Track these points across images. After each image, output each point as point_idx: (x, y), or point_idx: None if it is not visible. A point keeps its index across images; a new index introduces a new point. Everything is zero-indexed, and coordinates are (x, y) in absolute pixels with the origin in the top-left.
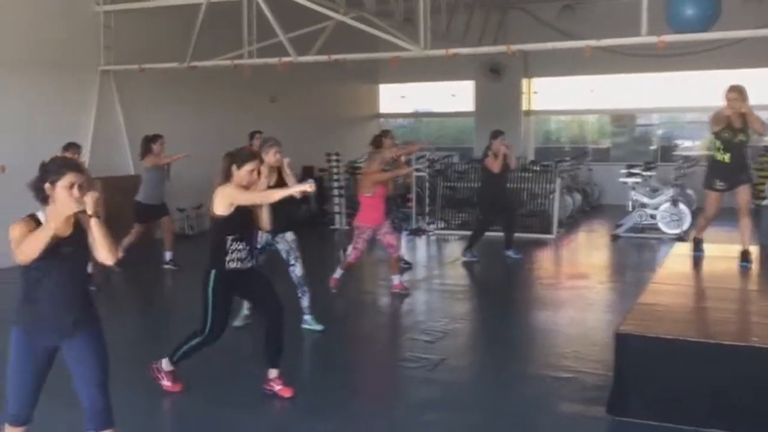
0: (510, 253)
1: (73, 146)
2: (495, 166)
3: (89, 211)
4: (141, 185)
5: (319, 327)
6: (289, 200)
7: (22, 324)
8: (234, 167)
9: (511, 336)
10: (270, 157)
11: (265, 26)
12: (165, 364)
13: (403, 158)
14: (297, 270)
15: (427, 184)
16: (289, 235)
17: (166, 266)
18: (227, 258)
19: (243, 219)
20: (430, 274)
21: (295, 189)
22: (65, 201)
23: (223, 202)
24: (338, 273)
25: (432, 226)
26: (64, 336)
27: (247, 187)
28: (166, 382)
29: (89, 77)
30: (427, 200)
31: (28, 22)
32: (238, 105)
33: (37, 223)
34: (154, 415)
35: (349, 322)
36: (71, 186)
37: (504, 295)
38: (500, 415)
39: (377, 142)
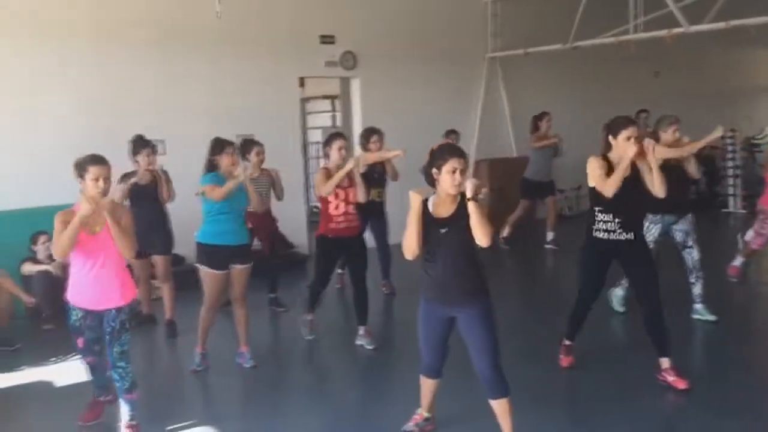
0: None
1: (453, 133)
2: None
3: (468, 195)
4: (529, 162)
5: (711, 317)
6: (685, 180)
7: (423, 294)
8: (611, 137)
9: None
10: (668, 135)
11: None
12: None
13: None
14: (694, 253)
15: None
16: (690, 216)
17: (548, 246)
18: (594, 227)
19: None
20: None
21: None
22: (447, 184)
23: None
24: (738, 261)
25: None
26: (456, 307)
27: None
28: (563, 357)
29: (477, 64)
30: None
31: (423, 17)
32: (620, 82)
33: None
34: (547, 387)
35: (744, 314)
36: (453, 171)
37: None
38: None
39: None
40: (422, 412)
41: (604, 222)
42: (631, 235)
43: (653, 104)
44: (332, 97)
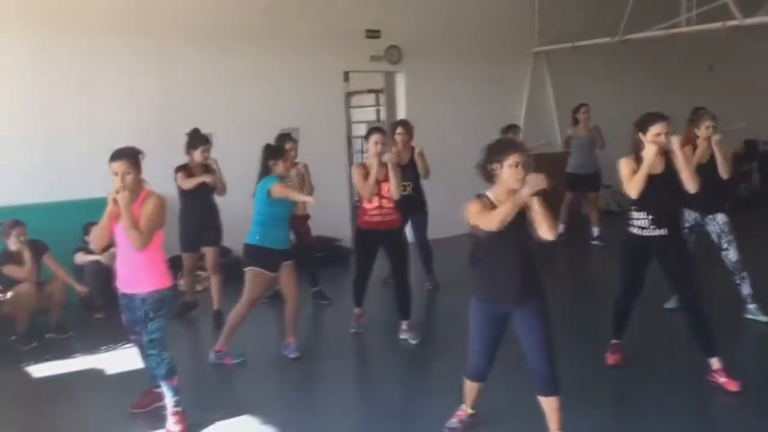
0: None
1: (513, 128)
2: None
3: (531, 190)
4: (569, 156)
5: (764, 318)
6: (719, 179)
7: (478, 294)
8: (640, 134)
9: None
10: (702, 132)
11: None
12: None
13: None
14: (731, 255)
15: None
16: (720, 217)
17: (594, 242)
18: (629, 223)
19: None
20: None
21: None
22: (510, 179)
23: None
24: None
25: None
26: (515, 305)
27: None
28: (609, 355)
29: (523, 59)
30: None
31: (468, 11)
32: (671, 77)
33: (488, 201)
34: (593, 385)
35: None
36: (516, 165)
37: None
38: None
39: None
40: (466, 409)
41: (637, 219)
42: (664, 231)
43: (706, 100)
44: (377, 92)
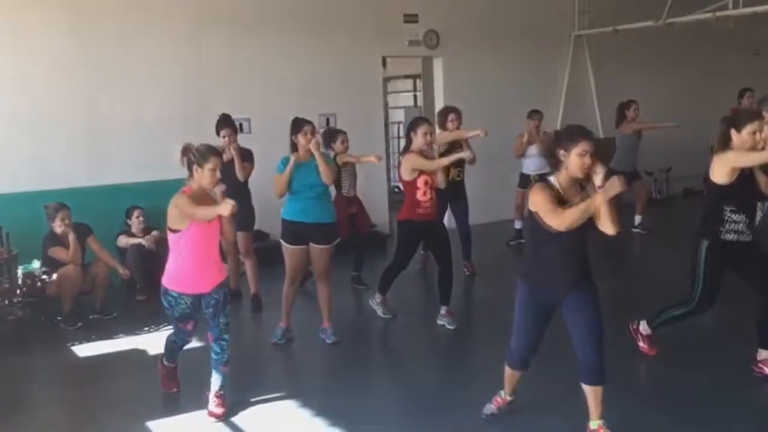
0: None
1: (536, 113)
2: None
3: (598, 183)
4: (615, 152)
5: None
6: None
7: (530, 280)
8: (733, 131)
9: None
10: None
11: None
12: (643, 327)
13: None
14: None
15: None
16: None
17: (635, 230)
18: (722, 228)
19: (744, 189)
20: None
21: None
22: (577, 168)
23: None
24: None
25: None
26: (567, 292)
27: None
28: (642, 344)
29: (562, 43)
30: None
31: None
32: (717, 61)
33: (553, 188)
34: (628, 374)
35: None
36: (584, 153)
37: None
38: None
39: None
40: (505, 396)
41: (735, 222)
42: (750, 236)
43: (753, 84)
44: (414, 77)
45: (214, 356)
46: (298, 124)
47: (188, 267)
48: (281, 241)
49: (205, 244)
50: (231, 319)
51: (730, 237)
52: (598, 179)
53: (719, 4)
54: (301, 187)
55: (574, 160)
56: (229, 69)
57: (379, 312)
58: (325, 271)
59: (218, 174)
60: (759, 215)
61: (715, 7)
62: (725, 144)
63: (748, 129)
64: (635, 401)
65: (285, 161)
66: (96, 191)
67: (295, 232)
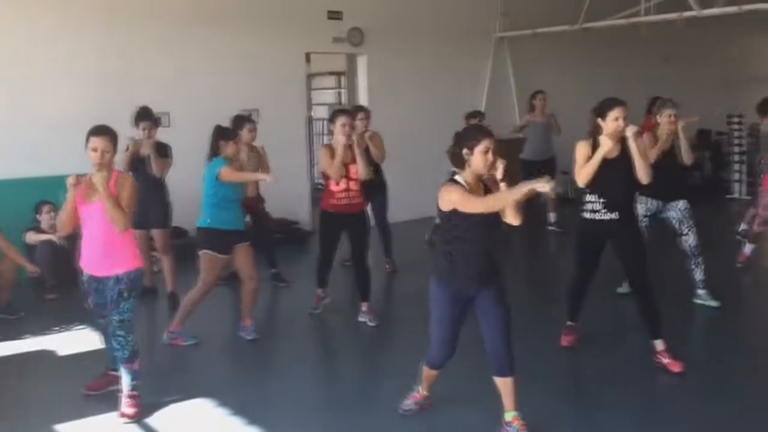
0: None
1: (478, 114)
2: None
3: (499, 176)
4: (525, 143)
5: (714, 303)
6: (680, 167)
7: (445, 279)
8: (599, 119)
9: None
10: (663, 119)
11: None
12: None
13: None
14: (690, 240)
15: None
16: (682, 204)
17: (550, 228)
18: (582, 208)
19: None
20: None
21: None
22: (480, 165)
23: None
24: (748, 248)
25: None
26: (479, 288)
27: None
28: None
29: (485, 44)
30: None
31: None
32: (629, 66)
33: (460, 185)
34: (546, 366)
35: (748, 300)
36: (486, 151)
37: None
38: None
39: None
40: (422, 391)
41: (591, 202)
42: (615, 215)
43: (662, 90)
44: (338, 74)
45: (117, 353)
46: (227, 131)
47: (83, 243)
48: (206, 251)
49: (88, 223)
50: (147, 316)
51: (587, 215)
52: (498, 173)
53: (632, 10)
54: (237, 195)
55: (478, 157)
56: (149, 61)
57: (311, 307)
58: (254, 269)
59: (98, 154)
60: (641, 207)
61: (629, 13)
62: (595, 132)
63: (610, 116)
64: (546, 391)
65: (227, 161)
66: (3, 185)
67: (225, 240)
